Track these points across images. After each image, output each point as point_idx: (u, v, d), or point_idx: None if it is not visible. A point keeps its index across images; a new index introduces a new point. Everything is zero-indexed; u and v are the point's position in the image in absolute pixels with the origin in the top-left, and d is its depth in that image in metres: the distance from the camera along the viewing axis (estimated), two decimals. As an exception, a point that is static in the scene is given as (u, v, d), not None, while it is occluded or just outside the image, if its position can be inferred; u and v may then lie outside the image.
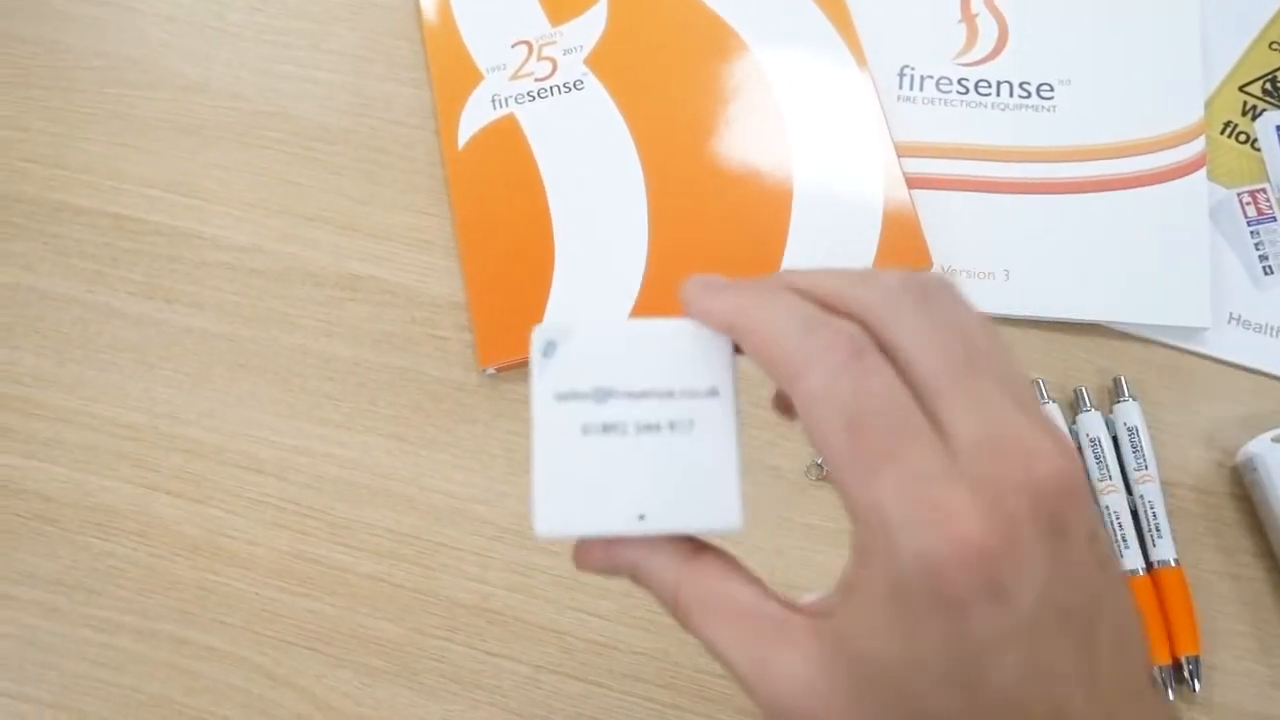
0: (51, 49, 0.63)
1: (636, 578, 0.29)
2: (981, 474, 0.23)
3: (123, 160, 0.60)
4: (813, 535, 0.51)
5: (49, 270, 0.58)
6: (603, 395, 0.28)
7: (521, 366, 0.54)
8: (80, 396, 0.55)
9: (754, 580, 0.28)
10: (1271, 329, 0.53)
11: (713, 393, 0.28)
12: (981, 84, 0.57)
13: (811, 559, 0.51)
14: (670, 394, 0.28)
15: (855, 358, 0.25)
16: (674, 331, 0.29)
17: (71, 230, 0.58)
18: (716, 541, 0.29)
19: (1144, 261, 0.54)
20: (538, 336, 0.29)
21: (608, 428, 0.28)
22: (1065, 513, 0.24)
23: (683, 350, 0.29)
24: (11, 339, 0.56)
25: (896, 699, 0.25)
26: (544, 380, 0.29)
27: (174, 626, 0.51)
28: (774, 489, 0.52)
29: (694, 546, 0.29)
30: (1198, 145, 0.55)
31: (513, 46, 0.59)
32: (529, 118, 0.58)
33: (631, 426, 0.28)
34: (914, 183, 0.56)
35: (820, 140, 0.56)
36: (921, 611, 0.23)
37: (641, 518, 0.28)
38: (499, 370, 0.54)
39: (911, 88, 0.57)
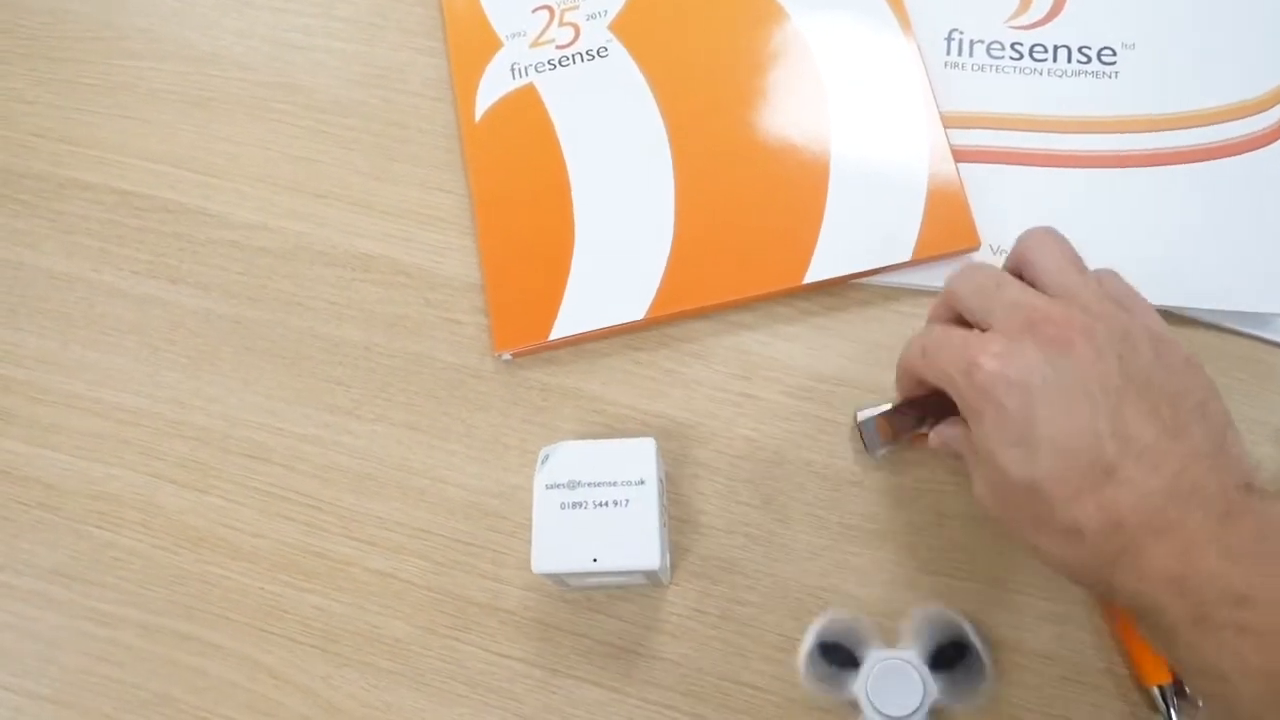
0: (61, 19, 0.61)
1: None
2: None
3: (130, 134, 0.58)
4: (849, 535, 0.48)
5: (53, 249, 0.55)
6: (574, 485, 0.44)
7: (538, 352, 0.52)
8: (83, 380, 0.53)
9: None
10: (1355, 316, 0.48)
11: (641, 482, 0.44)
12: (1037, 49, 0.53)
13: (847, 560, 0.47)
14: (614, 483, 0.44)
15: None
16: (617, 446, 0.45)
17: (76, 207, 0.56)
18: None
19: (1216, 241, 0.49)
20: (541, 453, 0.45)
21: (576, 504, 0.44)
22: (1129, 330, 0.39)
23: (623, 456, 0.45)
24: (15, 320, 0.54)
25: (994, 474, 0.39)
26: (539, 477, 0.45)
27: (177, 622, 0.49)
28: (816, 488, 0.49)
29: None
30: (1273, 116, 0.50)
31: (534, 11, 0.56)
32: (550, 87, 0.54)
33: (590, 504, 0.44)
34: (962, 156, 0.51)
35: (860, 110, 0.52)
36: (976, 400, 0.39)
37: (595, 560, 0.43)
38: (515, 356, 0.51)
39: (960, 53, 0.53)
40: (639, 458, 0.45)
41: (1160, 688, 0.44)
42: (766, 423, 0.50)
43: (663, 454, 0.49)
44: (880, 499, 0.49)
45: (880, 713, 0.44)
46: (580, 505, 0.44)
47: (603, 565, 0.43)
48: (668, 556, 0.46)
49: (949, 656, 0.44)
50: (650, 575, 0.45)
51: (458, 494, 0.50)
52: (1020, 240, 0.42)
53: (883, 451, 0.48)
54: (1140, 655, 0.45)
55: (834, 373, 0.50)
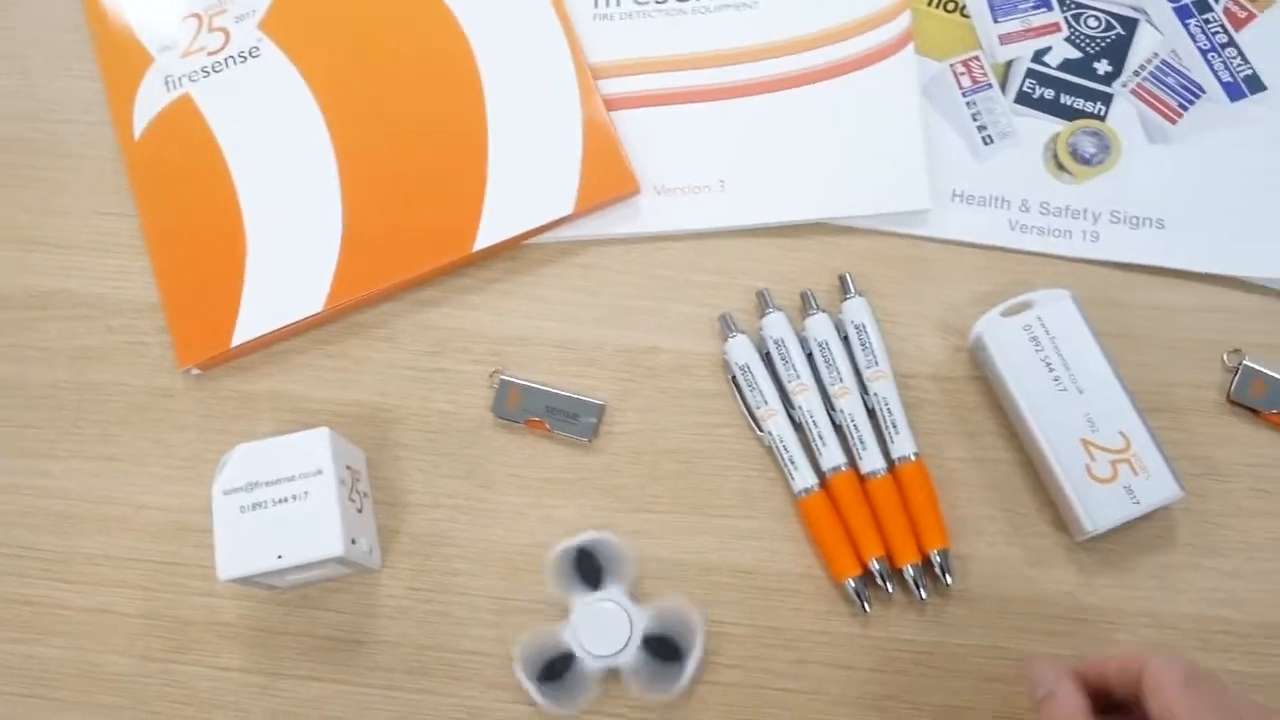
0: None
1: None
2: None
3: None
4: (550, 489, 0.48)
5: None
6: (252, 486, 0.44)
7: (226, 361, 0.51)
8: None
9: None
10: (995, 200, 0.51)
11: (318, 473, 0.44)
12: (679, -11, 0.54)
13: (551, 514, 0.48)
14: (292, 478, 0.44)
15: None
16: (291, 441, 0.45)
17: None
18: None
19: (858, 151, 0.51)
20: (220, 461, 0.45)
21: (256, 505, 0.44)
22: None
23: (299, 450, 0.45)
24: None
25: None
26: (216, 484, 0.44)
27: (-119, 697, 0.47)
28: (515, 450, 0.49)
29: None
30: (903, 21, 0.52)
31: (183, 21, 0.55)
32: (205, 95, 0.53)
33: (270, 502, 0.44)
34: (618, 103, 0.53)
35: (511, 75, 0.53)
36: None
37: (280, 557, 0.43)
38: (203, 369, 0.51)
39: (608, 4, 0.54)
40: (314, 449, 0.45)
41: (851, 580, 0.47)
42: (461, 393, 0.50)
43: (363, 440, 0.49)
44: (573, 449, 0.50)
45: (578, 639, 0.45)
46: (260, 505, 0.44)
47: (289, 561, 0.43)
48: (368, 541, 0.46)
49: (665, 650, 0.45)
50: (347, 563, 0.45)
51: (161, 516, 0.49)
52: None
53: None
54: (832, 554, 0.47)
55: (519, 333, 0.51)
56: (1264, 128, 0.51)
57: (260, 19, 0.54)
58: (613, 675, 0.46)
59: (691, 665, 0.45)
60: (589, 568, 0.46)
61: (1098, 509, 0.45)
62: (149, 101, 0.54)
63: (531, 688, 0.45)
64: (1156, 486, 0.45)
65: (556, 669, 0.46)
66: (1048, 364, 0.46)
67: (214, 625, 0.48)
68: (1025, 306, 0.47)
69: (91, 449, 0.50)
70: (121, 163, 0.54)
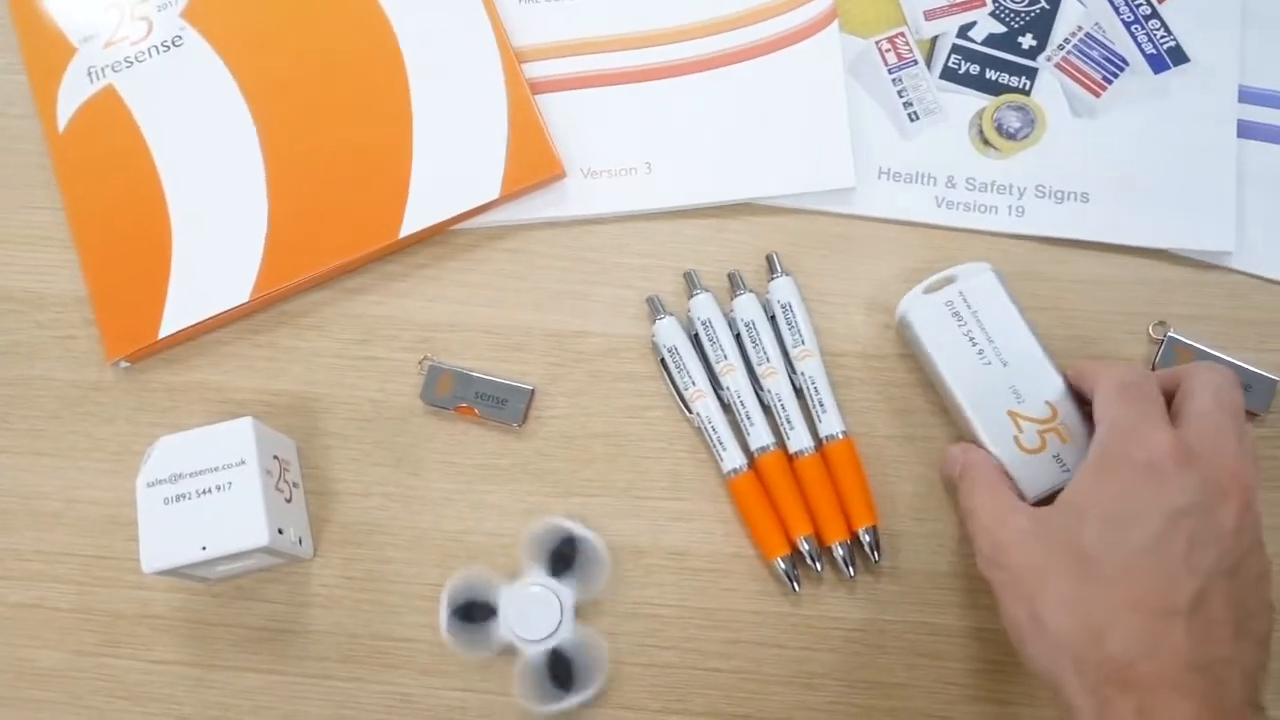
0: None
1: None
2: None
3: None
4: (482, 474, 0.49)
5: None
6: (176, 478, 0.44)
7: (155, 353, 0.51)
8: None
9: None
10: (922, 176, 0.51)
11: (242, 463, 0.44)
12: (606, -30, 0.54)
13: (483, 499, 0.48)
14: (216, 469, 0.44)
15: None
16: (215, 431, 0.45)
17: None
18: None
19: (784, 130, 0.51)
20: (145, 453, 0.45)
21: (180, 497, 0.44)
22: (1228, 492, 0.39)
23: (222, 440, 0.45)
24: None
25: (1065, 525, 0.40)
26: (140, 477, 0.44)
27: None
28: (445, 437, 0.49)
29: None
30: (826, 0, 0.52)
31: (105, 11, 0.54)
32: (129, 85, 0.53)
33: (194, 493, 0.44)
34: (544, 86, 0.52)
35: (435, 61, 0.52)
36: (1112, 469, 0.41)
37: (204, 548, 0.43)
38: (131, 360, 0.50)
39: (534, -14, 0.54)
40: (237, 439, 0.45)
41: (781, 560, 0.47)
42: (390, 381, 0.50)
43: (293, 429, 0.49)
44: (503, 434, 0.49)
45: (531, 641, 0.45)
46: (184, 497, 0.44)
47: (214, 552, 0.43)
48: (297, 531, 0.46)
49: (566, 556, 0.46)
50: (275, 552, 0.45)
51: (93, 510, 0.49)
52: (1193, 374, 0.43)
53: None
54: (761, 533, 0.47)
55: (448, 319, 0.51)
56: (1187, 99, 0.51)
57: (182, 8, 0.54)
58: (511, 655, 0.46)
59: (592, 539, 0.46)
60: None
61: (1029, 479, 0.45)
62: (72, 93, 0.53)
63: (444, 618, 0.46)
64: (1084, 453, 0.45)
65: (474, 614, 0.46)
66: (971, 338, 0.46)
67: (146, 618, 0.48)
68: (948, 281, 0.47)
69: (21, 444, 0.50)
70: (47, 156, 0.54)
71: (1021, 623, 0.40)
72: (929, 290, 0.48)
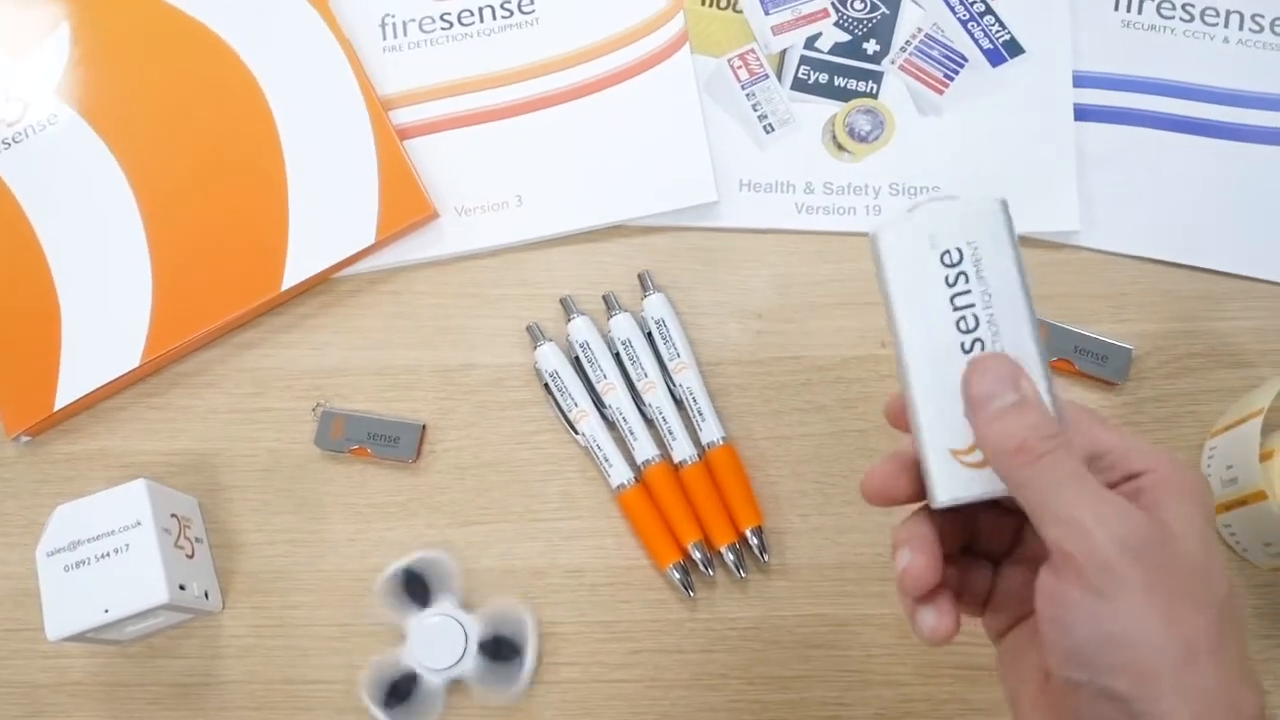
0: None
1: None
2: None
3: None
4: (380, 513, 0.50)
5: None
6: (74, 544, 0.45)
7: (54, 424, 0.52)
8: None
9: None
10: (780, 185, 0.53)
11: (137, 524, 0.46)
12: (464, 14, 0.55)
13: (383, 536, 0.49)
14: (112, 532, 0.45)
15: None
16: (109, 496, 0.46)
17: None
18: None
19: (646, 152, 0.53)
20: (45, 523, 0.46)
21: (80, 563, 0.45)
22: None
23: (117, 504, 0.46)
24: None
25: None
26: (40, 546, 0.46)
27: None
28: (342, 479, 0.50)
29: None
30: (676, 24, 0.54)
31: (-19, 96, 0.56)
32: (8, 166, 0.54)
33: (93, 558, 0.45)
34: (413, 131, 0.54)
35: (304, 116, 0.54)
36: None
37: (106, 611, 0.44)
38: (31, 434, 0.52)
39: (396, 35, 0.55)
40: (132, 502, 0.46)
41: (674, 567, 0.48)
42: (286, 430, 0.51)
43: (195, 486, 0.51)
44: (399, 471, 0.51)
45: (417, 657, 0.47)
46: (84, 563, 0.45)
47: (116, 614, 0.44)
48: (201, 585, 0.48)
49: (501, 650, 0.47)
50: (181, 608, 0.46)
51: (2, 585, 0.50)
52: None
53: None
54: (652, 544, 0.49)
55: (338, 365, 0.52)
56: (1024, 87, 0.53)
57: (56, 86, 0.55)
58: (458, 686, 0.47)
59: (529, 659, 0.47)
60: (417, 587, 0.48)
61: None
62: (-46, 177, 0.55)
63: (379, 714, 0.47)
64: None
65: (402, 690, 0.47)
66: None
67: (65, 686, 0.49)
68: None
69: (-72, 527, 0.51)
70: (-66, 241, 0.55)
71: None
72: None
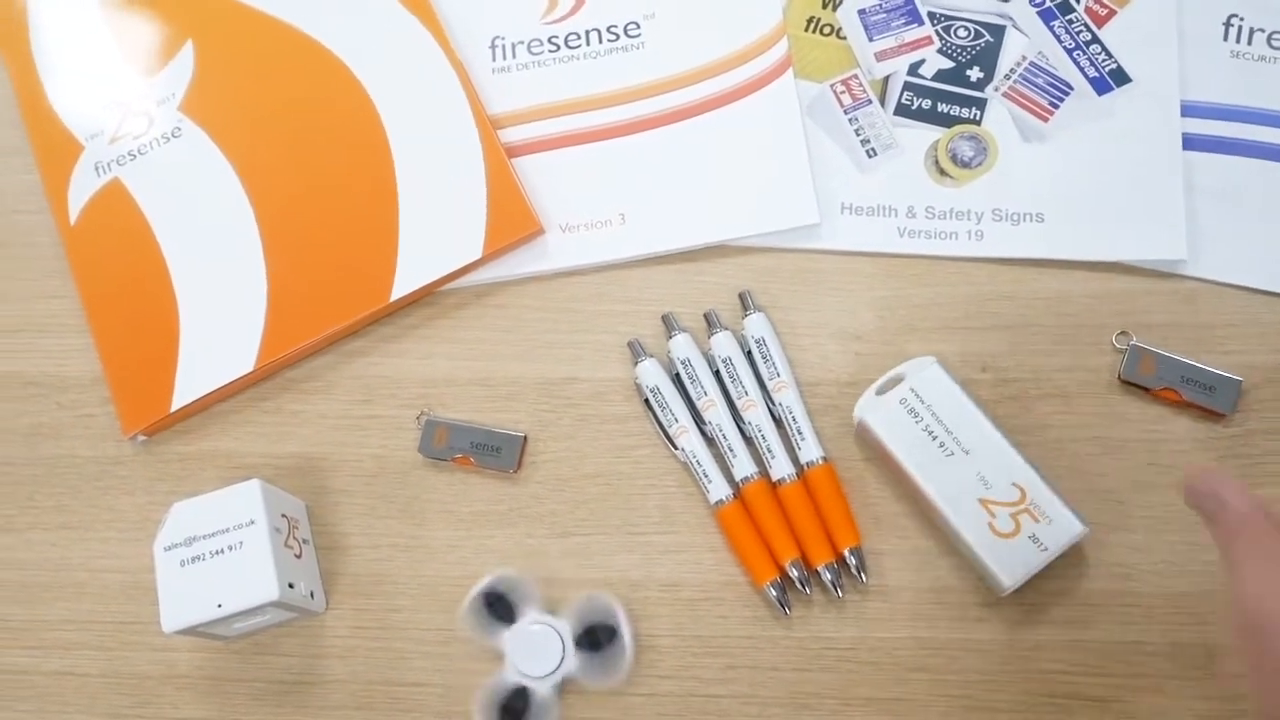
0: None
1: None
2: None
3: None
4: (481, 520, 0.51)
5: None
6: (190, 540, 0.47)
7: (168, 426, 0.54)
8: None
9: None
10: (881, 209, 0.53)
11: (251, 523, 0.47)
12: (571, 37, 0.57)
13: (484, 544, 0.50)
14: (227, 530, 0.47)
15: None
16: (225, 495, 0.48)
17: None
18: None
19: (748, 174, 0.54)
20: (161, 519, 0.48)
21: (195, 559, 0.47)
22: None
23: (232, 503, 0.48)
24: None
25: None
26: (157, 542, 0.47)
27: None
28: (445, 487, 0.52)
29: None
30: (781, 49, 0.55)
31: (109, 109, 0.58)
32: (134, 177, 0.56)
33: (208, 554, 0.47)
34: (520, 150, 0.55)
35: (416, 132, 0.55)
36: None
37: (220, 606, 0.46)
38: (147, 434, 0.53)
39: (505, 57, 0.57)
40: (246, 501, 0.47)
41: (771, 585, 0.48)
42: (391, 437, 0.53)
43: (302, 489, 0.52)
44: (500, 480, 0.52)
45: (518, 669, 0.47)
46: (199, 559, 0.46)
47: (229, 609, 0.46)
48: (308, 585, 0.49)
49: (598, 639, 0.48)
50: (287, 606, 0.47)
51: (117, 579, 0.52)
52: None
53: None
54: (750, 560, 0.49)
55: (443, 375, 0.53)
56: (1131, 115, 0.53)
57: (180, 101, 0.57)
58: (568, 688, 0.48)
59: (627, 637, 0.48)
60: (500, 606, 0.48)
61: (1010, 564, 0.46)
62: (81, 188, 0.57)
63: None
64: (1060, 529, 0.46)
65: (515, 709, 0.48)
66: (930, 433, 0.47)
67: (171, 678, 0.50)
68: (897, 380, 0.49)
69: (48, 519, 0.53)
70: (61, 247, 0.57)
71: None
72: (880, 391, 0.49)
